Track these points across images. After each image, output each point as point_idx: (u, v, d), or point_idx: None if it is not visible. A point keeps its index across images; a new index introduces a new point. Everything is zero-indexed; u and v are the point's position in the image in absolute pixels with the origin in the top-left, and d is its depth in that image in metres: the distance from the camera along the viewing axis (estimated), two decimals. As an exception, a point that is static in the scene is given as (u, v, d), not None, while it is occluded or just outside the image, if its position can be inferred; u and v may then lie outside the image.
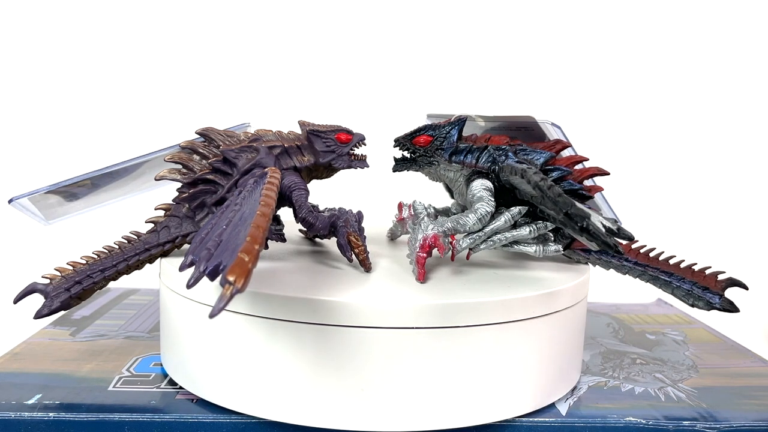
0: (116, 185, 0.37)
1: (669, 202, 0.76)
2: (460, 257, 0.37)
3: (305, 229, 0.37)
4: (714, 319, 0.49)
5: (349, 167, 0.37)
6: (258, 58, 0.74)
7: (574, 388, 0.36)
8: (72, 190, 0.37)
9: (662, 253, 0.38)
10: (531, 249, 0.34)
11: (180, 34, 0.73)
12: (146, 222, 0.35)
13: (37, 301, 0.33)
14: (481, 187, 0.34)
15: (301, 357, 0.29)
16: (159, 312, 0.37)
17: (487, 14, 0.75)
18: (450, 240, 0.33)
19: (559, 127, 0.36)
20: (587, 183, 0.36)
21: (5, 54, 0.71)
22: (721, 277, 0.37)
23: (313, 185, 0.37)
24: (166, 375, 0.35)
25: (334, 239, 0.35)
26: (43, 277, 0.34)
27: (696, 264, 0.38)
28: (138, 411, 0.31)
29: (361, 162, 0.37)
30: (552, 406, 0.33)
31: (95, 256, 0.34)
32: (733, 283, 0.36)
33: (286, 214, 0.37)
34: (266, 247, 0.35)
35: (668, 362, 0.41)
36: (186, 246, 0.36)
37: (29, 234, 0.67)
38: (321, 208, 0.38)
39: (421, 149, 0.36)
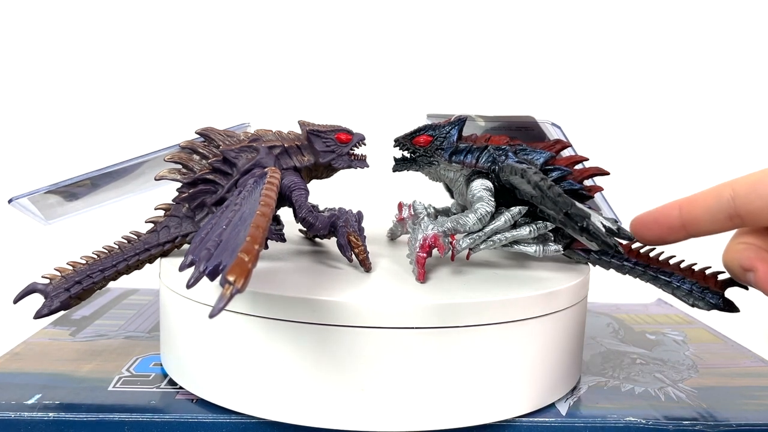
0: (116, 185, 0.37)
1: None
2: (460, 257, 0.37)
3: (305, 229, 0.37)
4: (714, 319, 0.48)
5: (349, 167, 0.37)
6: (258, 58, 0.74)
7: (574, 388, 0.36)
8: (72, 190, 0.37)
9: (662, 253, 0.38)
10: (531, 249, 0.34)
11: (180, 34, 0.73)
12: (146, 222, 0.35)
13: (37, 301, 0.33)
14: (481, 187, 0.34)
15: (301, 357, 0.29)
16: (159, 312, 0.37)
17: (487, 14, 0.75)
18: (450, 240, 0.33)
19: (559, 127, 0.36)
20: (587, 183, 0.36)
21: (5, 54, 0.71)
22: (721, 277, 0.37)
23: (313, 185, 0.37)
24: (165, 375, 0.35)
25: (334, 239, 0.35)
26: (43, 277, 0.34)
27: (696, 264, 0.37)
28: (138, 411, 0.31)
29: (361, 162, 0.37)
30: (552, 406, 0.33)
31: (95, 256, 0.34)
32: (734, 283, 0.36)
33: (286, 214, 0.37)
34: (266, 247, 0.35)
35: (668, 362, 0.41)
36: (186, 246, 0.36)
37: (29, 234, 0.67)
38: (321, 208, 0.38)
39: (421, 149, 0.36)
